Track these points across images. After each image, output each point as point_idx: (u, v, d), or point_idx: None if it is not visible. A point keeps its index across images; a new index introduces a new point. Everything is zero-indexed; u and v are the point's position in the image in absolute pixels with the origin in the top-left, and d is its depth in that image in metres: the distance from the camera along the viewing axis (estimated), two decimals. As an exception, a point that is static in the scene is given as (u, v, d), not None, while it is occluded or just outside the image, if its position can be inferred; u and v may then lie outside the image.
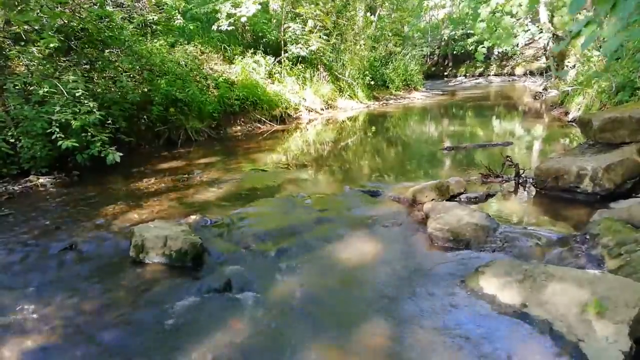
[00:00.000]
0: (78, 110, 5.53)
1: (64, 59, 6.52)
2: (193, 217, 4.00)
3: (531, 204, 4.31)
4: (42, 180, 5.36)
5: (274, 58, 11.33)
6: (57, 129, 5.30)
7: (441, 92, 18.34)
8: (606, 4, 2.03)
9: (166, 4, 10.19)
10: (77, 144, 5.43)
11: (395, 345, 2.31)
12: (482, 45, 17.28)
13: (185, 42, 10.03)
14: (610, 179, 4.02)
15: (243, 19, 10.40)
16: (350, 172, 6.21)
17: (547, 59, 18.38)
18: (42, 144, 5.38)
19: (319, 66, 12.60)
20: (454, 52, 27.94)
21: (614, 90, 7.22)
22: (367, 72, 14.60)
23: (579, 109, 8.58)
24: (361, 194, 4.72)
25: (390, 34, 17.65)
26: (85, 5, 6.88)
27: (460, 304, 2.64)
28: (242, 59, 10.69)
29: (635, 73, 6.91)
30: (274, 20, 12.41)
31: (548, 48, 16.20)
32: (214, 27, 10.50)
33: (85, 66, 6.78)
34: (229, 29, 10.46)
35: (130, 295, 2.89)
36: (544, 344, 2.22)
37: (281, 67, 11.42)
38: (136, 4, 9.14)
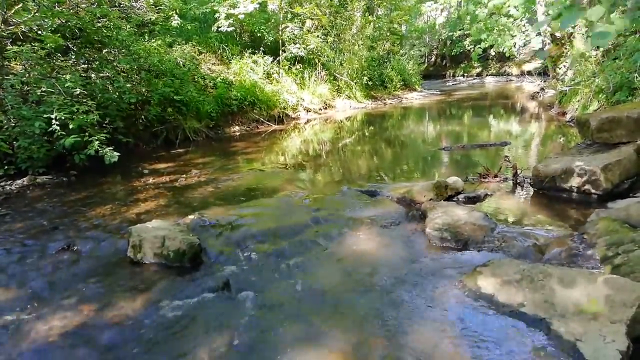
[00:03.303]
0: (76, 110, 5.52)
1: (62, 59, 6.51)
2: (191, 217, 4.00)
3: (529, 204, 4.31)
4: (39, 180, 5.35)
5: (272, 58, 11.33)
6: (58, 127, 5.29)
7: (439, 92, 18.37)
8: None
9: (164, 4, 10.19)
10: (79, 139, 5.42)
11: (393, 345, 2.31)
12: (478, 46, 17.34)
13: (183, 42, 10.03)
14: (607, 178, 4.03)
15: (241, 16, 10.40)
16: (348, 172, 6.22)
17: (544, 59, 18.41)
18: (39, 144, 5.37)
19: (317, 66, 12.60)
20: (452, 52, 27.99)
21: (611, 90, 7.24)
22: (365, 72, 14.60)
23: (576, 109, 8.60)
24: (359, 193, 4.71)
25: (388, 34, 17.66)
26: (83, 5, 6.87)
27: (458, 304, 2.64)
28: (240, 59, 10.69)
29: (632, 73, 6.94)
30: (272, 20, 12.41)
31: (545, 49, 16.23)
32: (214, 28, 10.50)
33: (83, 66, 6.77)
34: (229, 29, 10.46)
35: (128, 296, 2.88)
36: (541, 344, 2.23)
37: (279, 67, 11.42)
38: (134, 3, 9.13)
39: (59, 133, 5.28)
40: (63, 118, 5.33)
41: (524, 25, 17.84)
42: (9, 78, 5.66)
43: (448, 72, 28.81)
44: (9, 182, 5.22)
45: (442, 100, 15.85)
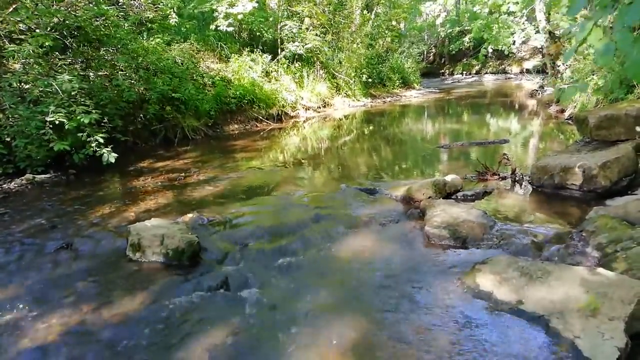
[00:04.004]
0: (74, 110, 5.51)
1: (60, 58, 6.49)
2: (190, 215, 4.00)
3: (527, 202, 4.32)
4: (38, 179, 5.35)
5: (270, 56, 11.31)
6: (50, 131, 5.28)
7: (438, 90, 18.35)
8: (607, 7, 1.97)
9: (162, 2, 10.16)
10: (68, 148, 5.40)
11: (393, 342, 2.32)
12: (483, 46, 17.41)
13: (182, 40, 10.00)
14: (606, 176, 4.04)
15: (239, 16, 10.38)
16: (347, 170, 6.21)
17: (543, 56, 18.42)
18: (37, 144, 5.36)
19: (315, 64, 12.58)
20: (450, 50, 27.95)
21: (609, 88, 7.24)
22: (364, 70, 14.59)
23: (575, 106, 8.60)
24: (358, 192, 4.72)
25: (387, 32, 17.64)
26: (81, 4, 6.84)
27: (457, 302, 2.64)
28: (238, 57, 10.67)
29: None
30: (271, 19, 12.39)
31: (544, 46, 16.21)
32: (212, 27, 10.48)
33: (81, 64, 6.75)
34: (228, 29, 10.44)
35: (127, 294, 2.88)
36: (540, 341, 2.23)
37: (278, 66, 11.40)
38: (132, 1, 9.10)
39: (50, 136, 5.27)
40: (57, 122, 5.31)
41: (523, 23, 17.85)
42: (7, 77, 5.65)
43: (447, 70, 28.76)
44: (8, 181, 5.21)
45: (441, 98, 15.83)
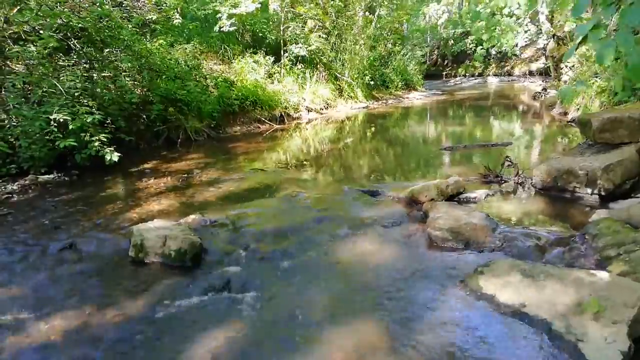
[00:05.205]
0: (77, 110, 5.53)
1: (64, 59, 6.52)
2: (192, 216, 4.00)
3: (530, 204, 4.31)
4: (41, 179, 5.36)
5: (273, 58, 11.32)
6: (56, 129, 5.30)
7: (440, 92, 18.34)
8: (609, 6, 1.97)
9: (165, 3, 10.19)
10: (75, 143, 5.42)
11: (394, 345, 2.32)
12: (481, 47, 17.38)
13: (185, 41, 10.03)
14: (609, 179, 4.03)
15: (242, 14, 10.42)
16: (349, 172, 6.22)
17: (546, 59, 18.39)
18: (41, 144, 5.38)
19: (318, 66, 12.60)
20: (453, 52, 27.94)
21: (613, 90, 7.22)
22: (366, 72, 14.59)
23: (578, 109, 8.59)
24: (360, 193, 4.72)
25: (389, 34, 17.63)
26: (85, 5, 6.87)
27: (460, 304, 2.64)
28: (241, 58, 10.69)
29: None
30: (275, 19, 12.41)
31: (547, 48, 16.19)
32: (216, 29, 10.51)
33: (85, 65, 6.78)
34: (231, 29, 10.47)
35: (130, 295, 2.88)
36: (543, 344, 2.23)
37: (281, 67, 11.42)
38: (135, 3, 9.13)
39: (55, 135, 5.29)
40: (61, 120, 5.33)
41: (526, 25, 17.83)
42: (11, 77, 5.67)
43: (449, 72, 28.76)
44: (11, 182, 5.22)
45: (443, 100, 15.83)
